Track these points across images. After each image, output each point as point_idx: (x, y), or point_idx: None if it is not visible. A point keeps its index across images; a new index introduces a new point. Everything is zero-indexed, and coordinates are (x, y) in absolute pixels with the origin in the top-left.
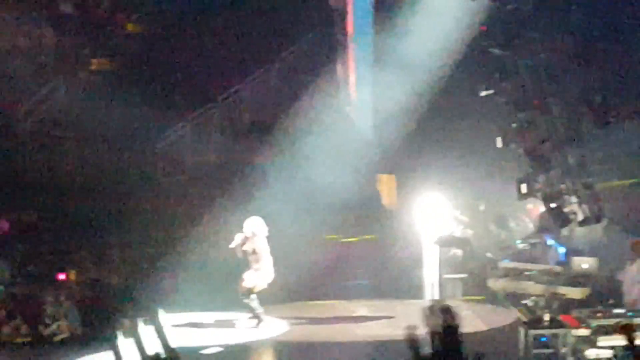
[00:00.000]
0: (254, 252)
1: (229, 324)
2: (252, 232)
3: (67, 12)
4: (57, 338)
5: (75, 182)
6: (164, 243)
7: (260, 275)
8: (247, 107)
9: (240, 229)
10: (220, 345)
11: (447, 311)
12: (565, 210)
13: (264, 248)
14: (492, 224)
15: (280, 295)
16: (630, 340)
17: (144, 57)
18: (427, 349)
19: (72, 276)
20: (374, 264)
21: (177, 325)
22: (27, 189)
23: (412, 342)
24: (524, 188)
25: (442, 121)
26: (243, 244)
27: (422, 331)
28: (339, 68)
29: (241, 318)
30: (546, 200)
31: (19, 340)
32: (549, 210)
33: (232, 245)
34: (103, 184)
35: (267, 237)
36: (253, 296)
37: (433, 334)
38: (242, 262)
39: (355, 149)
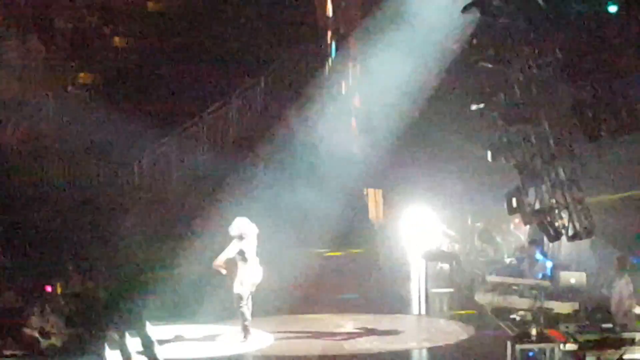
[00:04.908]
0: (241, 255)
1: (215, 336)
2: (241, 235)
3: (55, 26)
4: (44, 350)
5: (61, 195)
6: (151, 256)
7: (246, 278)
8: (233, 121)
9: (226, 242)
10: (206, 358)
11: None
12: (556, 224)
13: (251, 249)
14: (477, 240)
15: (267, 308)
16: None
17: (130, 71)
18: None
19: (59, 289)
20: (361, 277)
21: (163, 337)
22: (13, 202)
23: None
24: (514, 202)
25: (430, 135)
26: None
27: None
28: (325, 82)
29: (228, 331)
30: (536, 214)
31: (5, 353)
32: (539, 224)
33: (219, 262)
34: (89, 197)
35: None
36: (249, 303)
37: None
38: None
39: (342, 163)
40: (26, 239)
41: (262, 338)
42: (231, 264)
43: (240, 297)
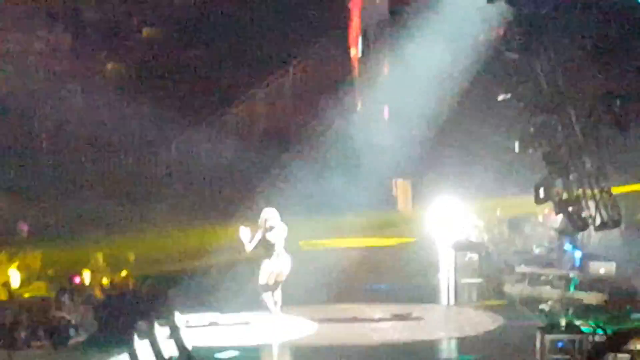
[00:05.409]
0: (268, 245)
1: (243, 325)
2: (269, 225)
3: (83, 16)
4: (74, 341)
5: (91, 186)
6: (180, 246)
7: (271, 269)
8: (263, 111)
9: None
10: (235, 347)
11: None
12: (583, 214)
13: (279, 240)
14: (506, 230)
15: (298, 297)
16: None
17: (159, 61)
18: None
19: (88, 279)
20: (391, 268)
21: (193, 325)
22: (44, 192)
23: None
24: (542, 192)
25: (458, 126)
26: (261, 237)
27: None
28: (355, 72)
29: (255, 320)
30: (564, 204)
31: (36, 344)
32: (567, 214)
33: (249, 247)
34: (118, 187)
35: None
36: (277, 294)
37: None
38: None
39: (371, 154)
40: (55, 229)
41: (291, 327)
42: (258, 254)
43: (264, 287)
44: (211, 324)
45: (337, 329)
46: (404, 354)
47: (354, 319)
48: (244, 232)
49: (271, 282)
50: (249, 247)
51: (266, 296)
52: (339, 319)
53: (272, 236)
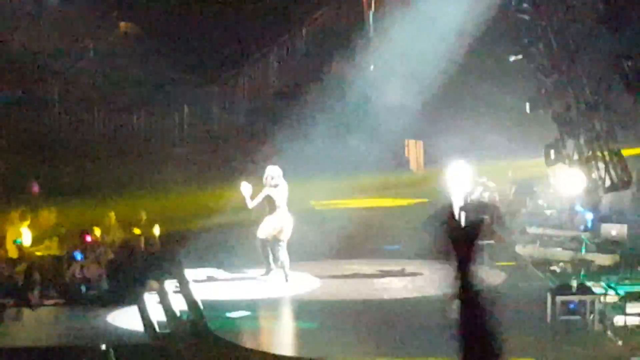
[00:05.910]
0: (270, 202)
1: (249, 280)
2: (272, 183)
3: None
4: (86, 299)
5: (102, 145)
6: (190, 204)
7: (271, 225)
8: (274, 71)
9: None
10: (244, 300)
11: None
12: (593, 176)
13: (281, 198)
14: (517, 191)
15: (309, 256)
16: None
17: (171, 20)
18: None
19: (100, 237)
20: (403, 229)
21: (200, 281)
22: (56, 152)
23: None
24: (552, 154)
25: (470, 87)
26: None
27: None
28: (366, 32)
29: (259, 275)
30: (574, 166)
31: (48, 302)
32: (577, 176)
33: (250, 205)
34: (130, 146)
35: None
36: (282, 253)
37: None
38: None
39: (383, 114)
40: (68, 188)
41: (300, 283)
42: (261, 211)
43: (263, 242)
44: (218, 279)
45: (346, 286)
46: (414, 311)
47: (364, 277)
48: (244, 187)
49: (270, 238)
50: (249, 203)
51: (263, 251)
52: (349, 276)
53: (275, 193)
